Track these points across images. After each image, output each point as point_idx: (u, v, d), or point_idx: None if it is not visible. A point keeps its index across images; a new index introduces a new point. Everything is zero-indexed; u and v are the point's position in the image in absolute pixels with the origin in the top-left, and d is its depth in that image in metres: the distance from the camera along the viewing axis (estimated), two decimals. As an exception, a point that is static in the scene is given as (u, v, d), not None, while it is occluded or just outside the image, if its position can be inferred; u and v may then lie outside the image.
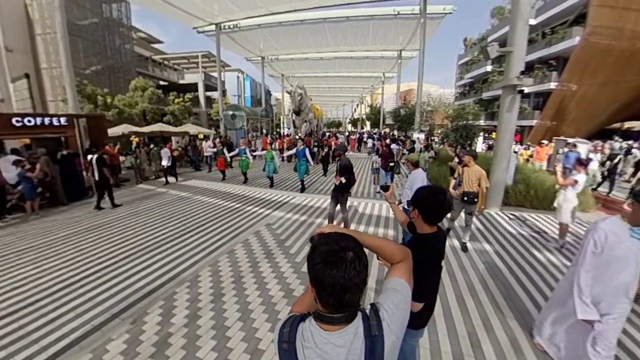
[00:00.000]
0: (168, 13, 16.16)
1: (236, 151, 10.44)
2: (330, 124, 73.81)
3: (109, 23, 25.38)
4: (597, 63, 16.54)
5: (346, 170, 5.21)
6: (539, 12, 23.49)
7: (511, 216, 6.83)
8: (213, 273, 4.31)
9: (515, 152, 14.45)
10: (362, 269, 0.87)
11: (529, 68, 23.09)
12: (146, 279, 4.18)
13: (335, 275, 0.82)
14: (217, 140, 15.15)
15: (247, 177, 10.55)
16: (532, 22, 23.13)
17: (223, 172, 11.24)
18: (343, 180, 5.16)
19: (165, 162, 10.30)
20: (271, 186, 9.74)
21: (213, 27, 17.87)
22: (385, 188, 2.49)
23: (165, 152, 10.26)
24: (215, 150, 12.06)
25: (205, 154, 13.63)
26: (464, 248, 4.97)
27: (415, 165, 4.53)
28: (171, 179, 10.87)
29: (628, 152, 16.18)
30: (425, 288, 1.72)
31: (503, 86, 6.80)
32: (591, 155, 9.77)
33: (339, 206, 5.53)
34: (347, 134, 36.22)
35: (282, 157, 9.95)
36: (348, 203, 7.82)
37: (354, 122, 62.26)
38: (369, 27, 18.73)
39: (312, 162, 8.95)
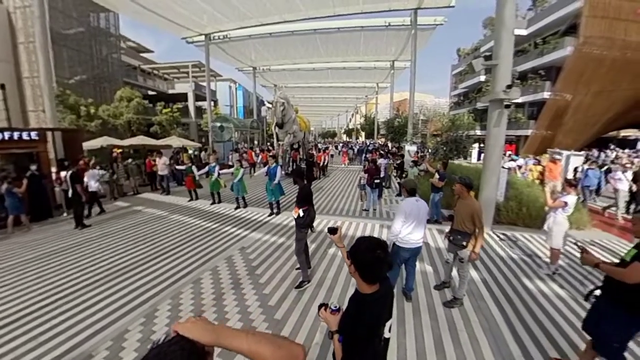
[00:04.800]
0: (156, 24, 16.09)
1: (205, 169, 9.62)
2: (325, 134, 73.88)
3: (96, 32, 25.21)
4: (590, 73, 16.45)
5: (305, 200, 4.33)
6: (531, 23, 23.64)
7: (502, 236, 6.49)
8: (173, 307, 3.94)
9: (519, 167, 13.78)
10: None
11: (522, 78, 23.10)
12: (98, 314, 3.80)
13: None
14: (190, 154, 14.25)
15: (215, 197, 9.55)
16: (524, 32, 23.26)
17: (192, 192, 10.16)
18: (301, 213, 4.27)
19: (95, 186, 8.16)
20: (239, 207, 8.88)
21: (202, 37, 17.79)
22: (332, 230, 2.15)
23: (92, 174, 8.08)
24: (184, 168, 10.72)
25: (159, 173, 11.41)
26: (452, 302, 3.85)
27: (411, 192, 3.69)
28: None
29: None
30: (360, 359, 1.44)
31: (490, 100, 6.55)
32: (619, 174, 8.48)
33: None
34: (340, 145, 36.04)
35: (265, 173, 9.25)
36: (332, 222, 7.50)
37: (348, 133, 62.29)
38: (361, 38, 18.73)
39: (276, 181, 7.85)
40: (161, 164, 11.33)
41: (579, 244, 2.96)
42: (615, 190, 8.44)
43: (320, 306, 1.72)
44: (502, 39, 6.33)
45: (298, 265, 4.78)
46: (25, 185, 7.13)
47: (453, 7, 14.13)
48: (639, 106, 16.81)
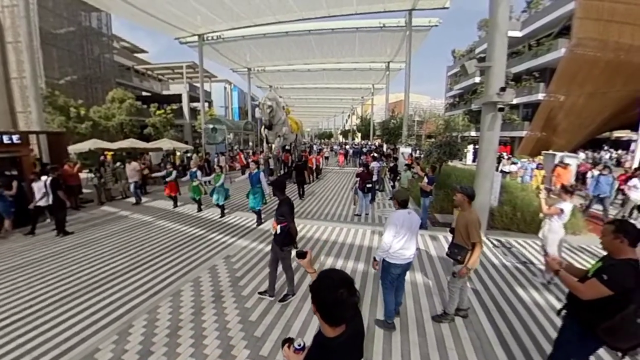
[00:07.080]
0: (149, 24, 15.84)
1: (186, 176, 9.25)
2: (321, 134, 73.79)
3: (87, 32, 24.78)
4: (584, 74, 16.46)
5: (284, 215, 3.88)
6: (525, 25, 23.69)
7: (496, 242, 6.34)
8: (149, 322, 3.71)
9: (515, 169, 13.50)
10: None
11: (517, 79, 23.11)
12: (68, 331, 3.57)
13: None
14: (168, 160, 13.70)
15: (201, 205, 9.15)
16: (518, 34, 23.28)
17: (174, 199, 9.57)
18: (279, 229, 3.87)
19: (42, 201, 6.92)
20: (222, 216, 8.43)
21: (196, 38, 17.57)
22: (301, 255, 1.93)
23: (38, 186, 6.92)
24: (163, 173, 9.86)
25: (129, 180, 10.05)
26: (442, 317, 3.65)
27: (402, 204, 3.35)
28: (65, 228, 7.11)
29: (618, 162, 15.92)
30: None
31: (483, 103, 6.40)
32: (634, 181, 7.58)
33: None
34: (336, 146, 35.87)
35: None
36: (322, 228, 7.28)
37: (344, 134, 62.33)
38: (355, 39, 18.63)
39: (267, 191, 7.42)
40: (130, 170, 9.95)
41: (544, 249, 2.80)
42: (624, 197, 7.80)
43: (284, 342, 1.53)
44: (495, 41, 6.18)
45: (268, 284, 4.24)
46: (15, 187, 7.00)
47: (447, 8, 14.04)
48: (632, 107, 16.82)
